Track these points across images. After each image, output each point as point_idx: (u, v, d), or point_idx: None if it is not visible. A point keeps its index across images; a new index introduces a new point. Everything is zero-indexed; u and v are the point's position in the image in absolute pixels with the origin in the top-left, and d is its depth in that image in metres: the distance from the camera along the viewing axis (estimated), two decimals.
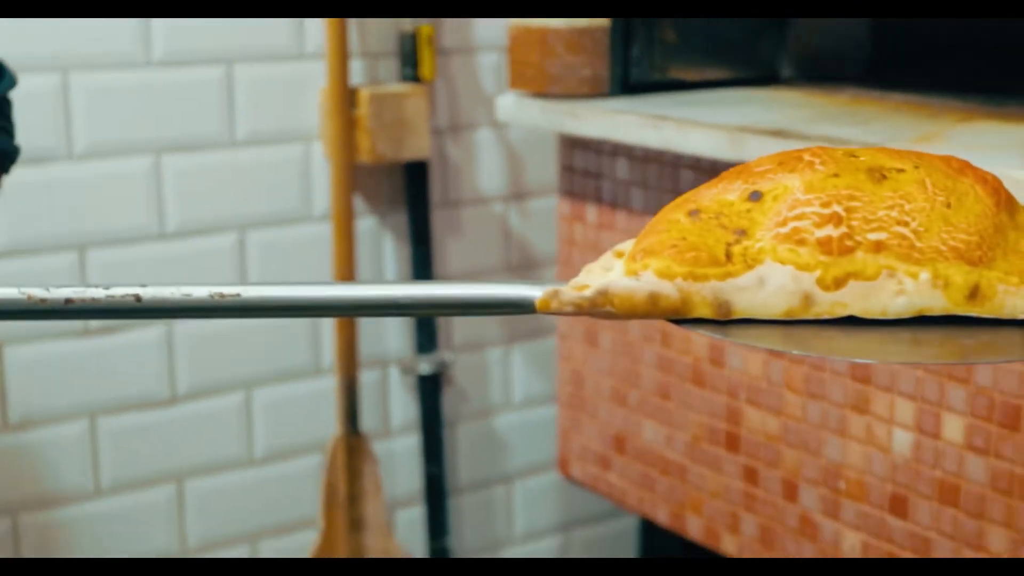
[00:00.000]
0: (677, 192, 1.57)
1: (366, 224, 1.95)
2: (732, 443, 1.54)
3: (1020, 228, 0.66)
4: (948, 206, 0.65)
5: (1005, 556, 1.27)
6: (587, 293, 0.65)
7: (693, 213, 0.66)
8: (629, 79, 1.63)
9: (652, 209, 1.60)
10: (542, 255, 2.09)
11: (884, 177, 0.65)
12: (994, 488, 1.28)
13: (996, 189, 0.66)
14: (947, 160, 0.67)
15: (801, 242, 0.64)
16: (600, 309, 0.65)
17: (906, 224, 0.64)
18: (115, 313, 0.67)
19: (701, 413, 1.57)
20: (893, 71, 1.76)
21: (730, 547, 1.56)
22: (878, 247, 0.64)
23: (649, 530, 2.06)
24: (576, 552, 2.24)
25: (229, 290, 0.67)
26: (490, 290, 0.67)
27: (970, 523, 1.30)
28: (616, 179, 1.65)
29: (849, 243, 0.64)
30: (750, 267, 0.64)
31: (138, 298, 0.66)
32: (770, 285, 0.64)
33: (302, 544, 1.95)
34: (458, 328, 2.06)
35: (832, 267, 0.64)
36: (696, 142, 1.41)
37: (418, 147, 1.89)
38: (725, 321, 0.64)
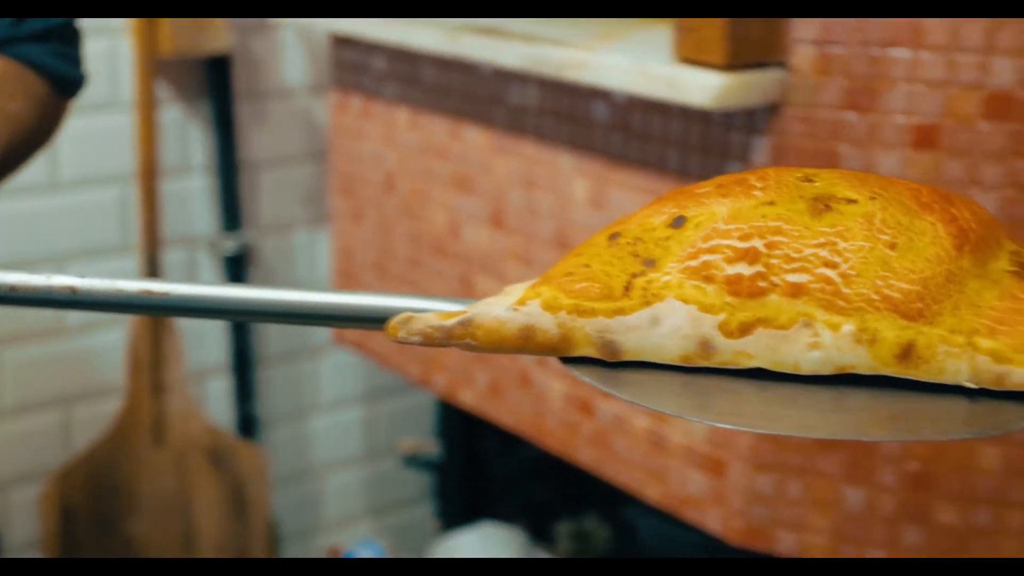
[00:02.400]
0: (421, 84, 1.75)
1: (172, 114, 2.11)
2: None
3: (987, 278, 0.57)
4: (892, 247, 0.56)
5: None
6: (447, 323, 0.58)
7: (613, 237, 0.60)
8: None
9: (404, 99, 1.77)
10: None
11: (827, 208, 0.57)
12: None
13: (963, 231, 0.57)
14: (918, 192, 0.58)
15: (709, 279, 0.57)
16: (459, 341, 0.58)
17: (835, 266, 0.56)
18: (52, 303, 0.67)
19: (444, 280, 1.76)
20: None
21: (467, 399, 1.76)
22: (796, 291, 0.56)
23: (447, 405, 2.26)
24: (380, 421, 2.44)
25: (158, 287, 0.65)
26: (392, 302, 0.62)
27: None
28: (374, 73, 1.82)
29: (762, 284, 0.56)
30: (648, 303, 0.57)
31: (73, 289, 0.66)
32: (664, 326, 0.57)
33: (110, 408, 2.13)
34: (264, 209, 2.22)
35: (739, 311, 0.56)
36: (423, 39, 1.59)
37: (218, 40, 2.04)
38: (616, 363, 0.57)
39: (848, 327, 0.55)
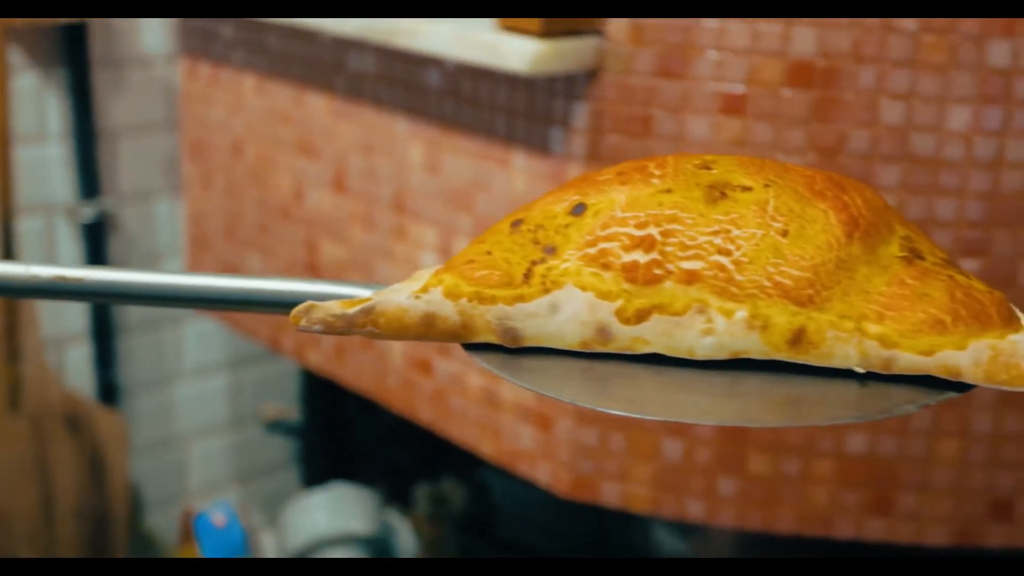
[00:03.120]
0: (266, 52, 1.78)
1: (27, 81, 2.11)
2: (312, 270, 1.77)
3: (877, 263, 0.58)
4: (784, 234, 0.57)
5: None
6: (349, 311, 0.58)
7: (515, 224, 0.61)
8: None
9: (250, 66, 1.80)
10: None
11: (723, 196, 0.58)
12: None
13: (853, 217, 0.58)
14: (811, 179, 0.60)
15: (607, 266, 0.58)
16: (360, 329, 0.58)
17: (728, 253, 0.57)
18: None
19: (291, 244, 1.80)
20: None
21: (314, 360, 1.80)
22: (691, 278, 0.57)
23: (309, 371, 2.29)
24: (245, 388, 2.46)
25: (72, 273, 0.65)
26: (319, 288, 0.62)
27: None
28: (223, 40, 1.84)
29: (658, 271, 0.57)
30: (547, 290, 0.58)
31: None
32: (563, 313, 0.58)
33: None
34: (123, 177, 2.23)
35: (636, 297, 0.57)
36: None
37: None
38: (518, 349, 0.58)
39: (741, 313, 0.56)
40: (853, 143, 1.35)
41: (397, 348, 1.67)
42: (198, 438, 2.43)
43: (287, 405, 2.44)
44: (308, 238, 1.76)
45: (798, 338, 0.56)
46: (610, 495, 1.49)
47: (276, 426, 2.40)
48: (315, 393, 2.30)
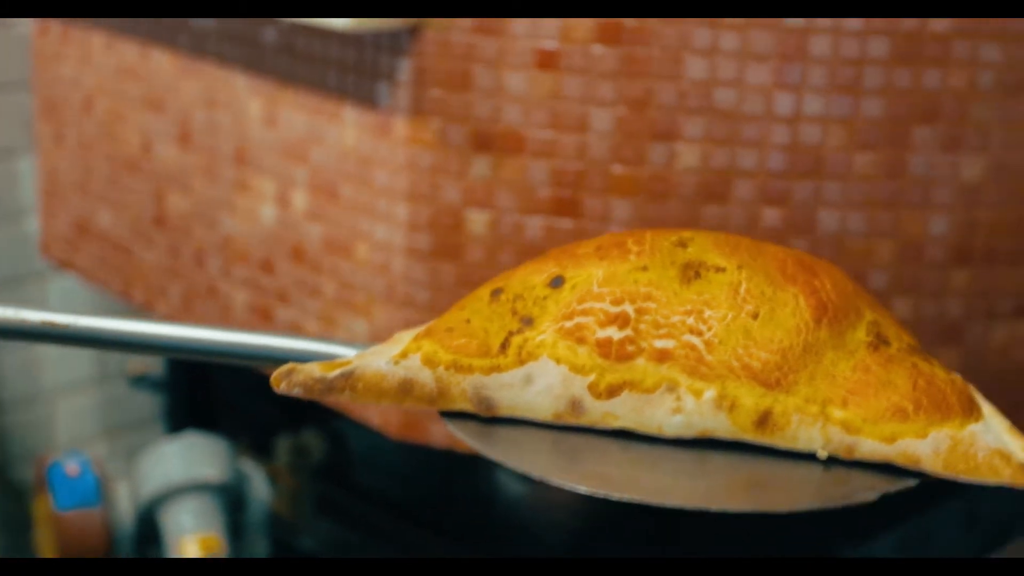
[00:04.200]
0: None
1: None
2: (160, 223, 1.81)
3: (844, 348, 0.59)
4: (755, 317, 0.59)
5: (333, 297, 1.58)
6: (330, 375, 0.60)
7: (495, 293, 0.62)
8: None
9: (99, 23, 1.84)
10: None
11: (697, 276, 0.60)
12: (326, 248, 1.60)
13: (822, 303, 0.59)
14: (783, 262, 0.61)
15: (582, 340, 0.59)
16: (340, 393, 0.60)
17: (700, 333, 0.58)
18: None
19: (139, 196, 1.84)
20: None
21: (163, 310, 1.85)
22: (662, 356, 0.58)
23: None
24: None
25: (61, 319, 0.66)
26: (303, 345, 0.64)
27: (310, 276, 1.62)
28: None
29: (631, 348, 0.59)
30: (523, 362, 0.59)
31: None
32: (537, 385, 0.59)
33: None
34: None
35: (608, 373, 0.59)
36: None
37: None
38: (491, 418, 0.60)
39: (710, 393, 0.57)
40: (660, 96, 1.43)
41: (240, 298, 1.72)
42: (65, 394, 2.46)
43: (152, 360, 2.47)
44: (156, 191, 1.81)
45: (764, 420, 0.57)
46: (438, 436, 1.57)
47: (141, 381, 2.44)
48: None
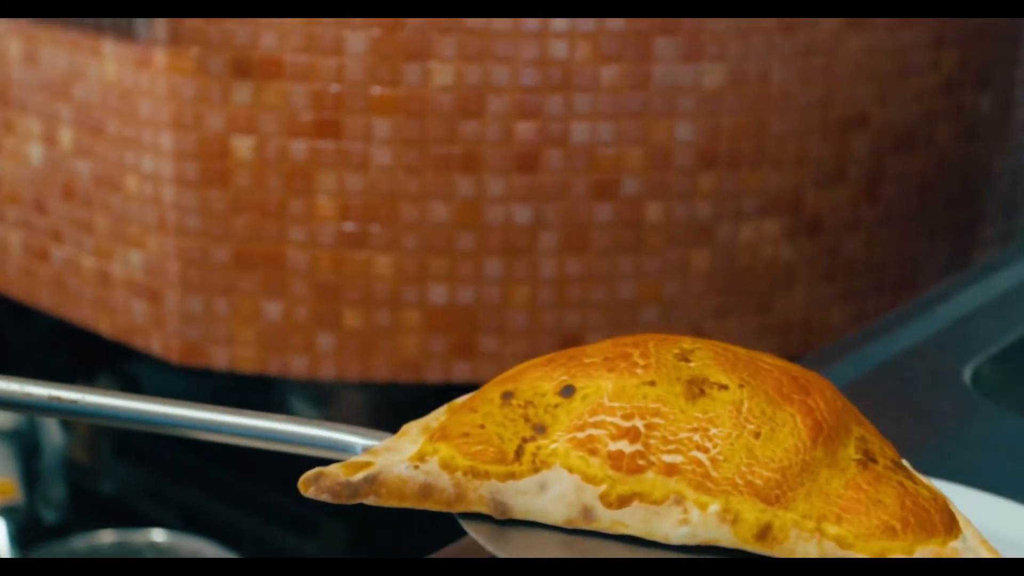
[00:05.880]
0: None
1: None
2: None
3: (836, 466, 0.64)
4: (757, 436, 0.63)
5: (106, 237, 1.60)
6: (354, 479, 0.62)
7: (506, 396, 0.65)
8: None
9: None
10: None
11: (702, 393, 0.64)
12: (96, 183, 1.61)
13: (818, 423, 0.64)
14: (780, 381, 0.66)
15: (594, 452, 0.62)
16: (365, 497, 0.63)
17: (706, 450, 0.62)
18: None
19: None
20: None
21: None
22: (671, 470, 0.62)
23: None
24: None
25: (67, 395, 0.66)
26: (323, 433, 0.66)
27: (82, 213, 1.63)
28: None
29: (641, 462, 0.62)
30: (537, 470, 0.62)
31: None
32: (551, 492, 0.62)
33: None
34: None
35: (619, 484, 0.62)
36: None
37: None
38: (506, 520, 0.63)
39: (714, 507, 0.61)
40: (413, 19, 1.49)
41: (15, 239, 1.73)
42: None
43: None
44: None
45: (764, 533, 0.61)
46: (219, 359, 1.61)
47: None
48: None
